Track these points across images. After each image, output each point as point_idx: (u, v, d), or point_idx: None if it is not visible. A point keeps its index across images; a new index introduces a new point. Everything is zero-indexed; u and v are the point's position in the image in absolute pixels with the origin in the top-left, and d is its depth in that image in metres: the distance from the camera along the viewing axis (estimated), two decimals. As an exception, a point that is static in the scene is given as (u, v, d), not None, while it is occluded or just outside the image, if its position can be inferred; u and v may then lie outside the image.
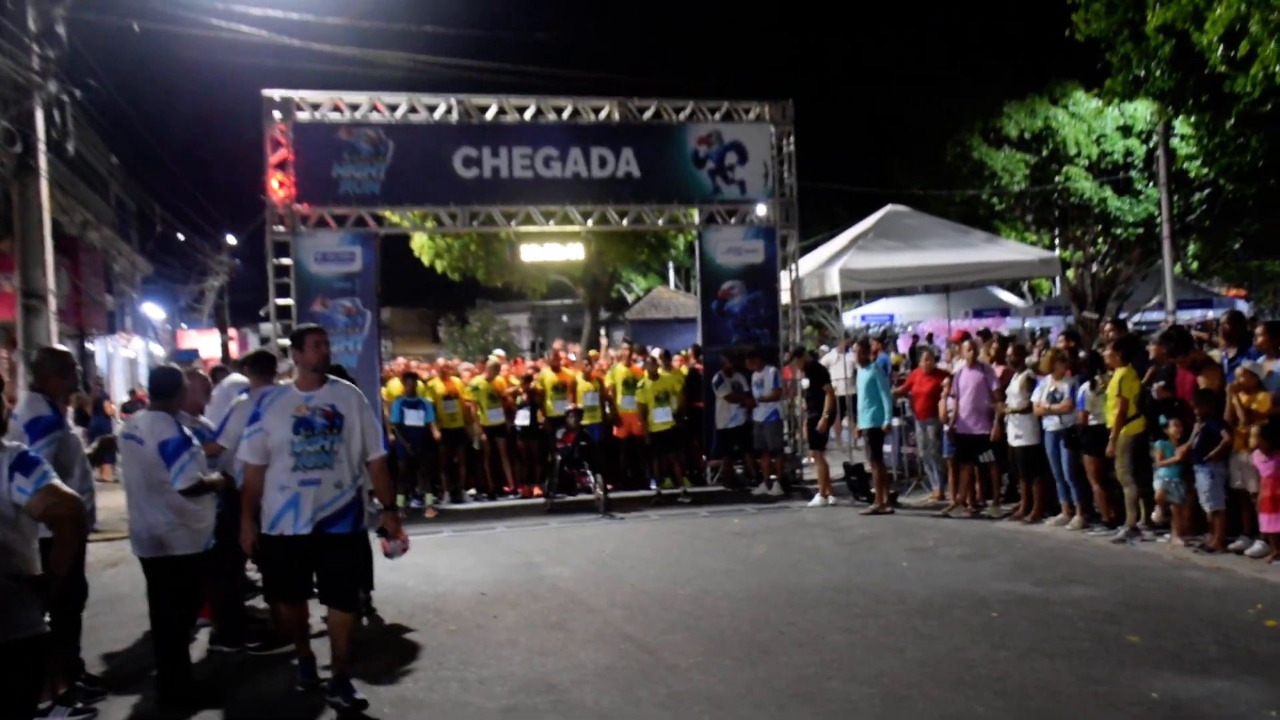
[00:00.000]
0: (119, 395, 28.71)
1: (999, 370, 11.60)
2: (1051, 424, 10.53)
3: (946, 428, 11.91)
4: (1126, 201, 23.77)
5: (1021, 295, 27.93)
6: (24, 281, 13.74)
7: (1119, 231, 24.24)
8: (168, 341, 39.83)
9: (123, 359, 33.51)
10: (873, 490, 12.39)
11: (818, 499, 12.81)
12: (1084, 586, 8.07)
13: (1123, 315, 23.95)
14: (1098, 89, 16.29)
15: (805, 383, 13.41)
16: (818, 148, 21.71)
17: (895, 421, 13.10)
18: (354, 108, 13.65)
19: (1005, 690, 5.68)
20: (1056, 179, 23.77)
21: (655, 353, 14.84)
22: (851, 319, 22.94)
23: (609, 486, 13.23)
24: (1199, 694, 5.52)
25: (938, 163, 24.78)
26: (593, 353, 16.56)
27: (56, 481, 3.89)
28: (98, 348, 29.31)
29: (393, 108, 13.76)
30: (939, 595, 7.92)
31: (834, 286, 15.10)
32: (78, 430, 6.19)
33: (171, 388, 6.31)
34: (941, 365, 13.02)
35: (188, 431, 6.23)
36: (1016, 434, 10.97)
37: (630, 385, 14.27)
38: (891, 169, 26.70)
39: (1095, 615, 7.19)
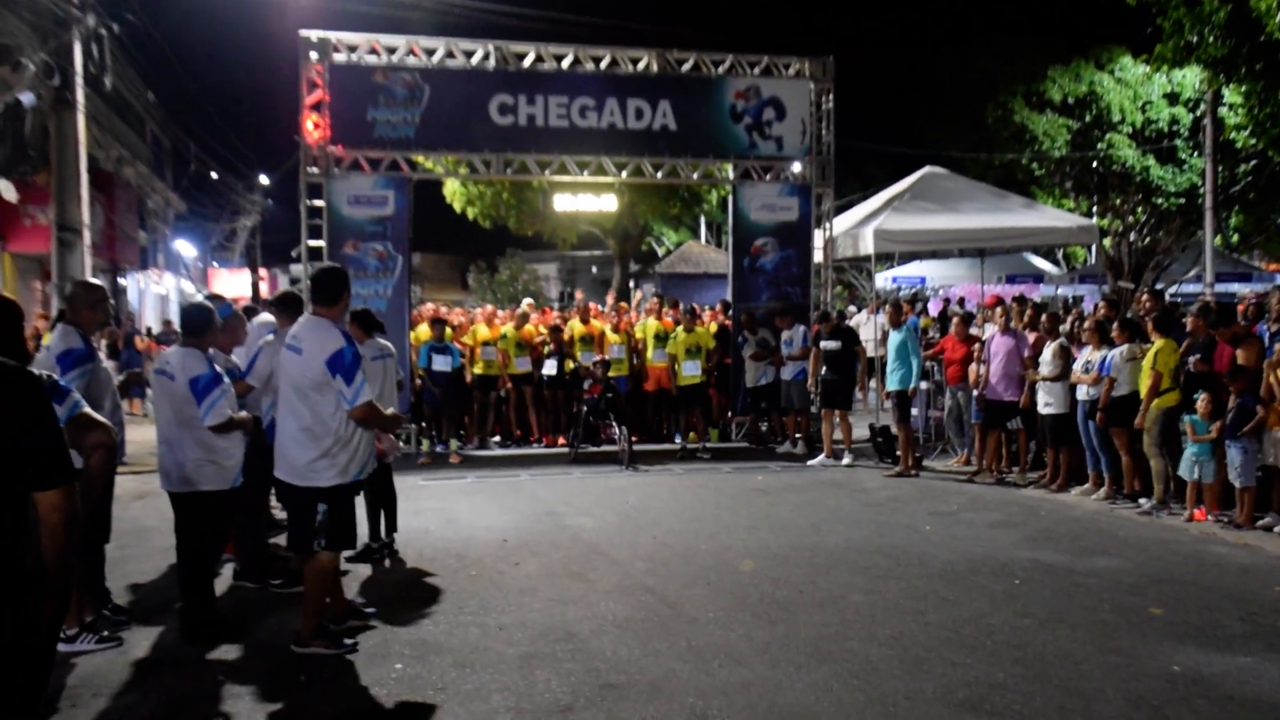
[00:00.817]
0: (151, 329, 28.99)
1: (1031, 337, 11.48)
2: (1083, 393, 10.42)
3: (976, 393, 11.82)
4: (1169, 171, 23.33)
5: (1056, 263, 27.59)
6: (59, 215, 13.86)
7: (1160, 201, 23.81)
8: (199, 279, 40.05)
9: (154, 295, 33.76)
10: (898, 453, 12.34)
11: (848, 458, 12.77)
12: (1108, 557, 8.02)
13: (1159, 286, 23.66)
14: (1146, 54, 15.97)
15: (831, 344, 13.29)
16: (856, 106, 21.48)
17: (924, 385, 13.01)
18: (391, 51, 13.57)
19: (1025, 658, 5.65)
20: (1098, 145, 23.34)
21: (648, 301, 14.87)
22: (883, 280, 22.77)
23: (634, 439, 13.24)
24: (1221, 669, 5.48)
25: (977, 125, 24.37)
26: (621, 305, 16.50)
27: (88, 410, 3.92)
28: (130, 283, 29.53)
29: (430, 52, 13.68)
30: (961, 560, 7.90)
31: (868, 247, 14.97)
32: (109, 364, 6.22)
33: (203, 324, 6.30)
34: (973, 330, 12.90)
35: (219, 369, 6.25)
36: (1046, 402, 10.87)
37: (661, 339, 14.23)
38: (929, 131, 26.31)
39: (1119, 586, 7.15)
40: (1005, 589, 7.10)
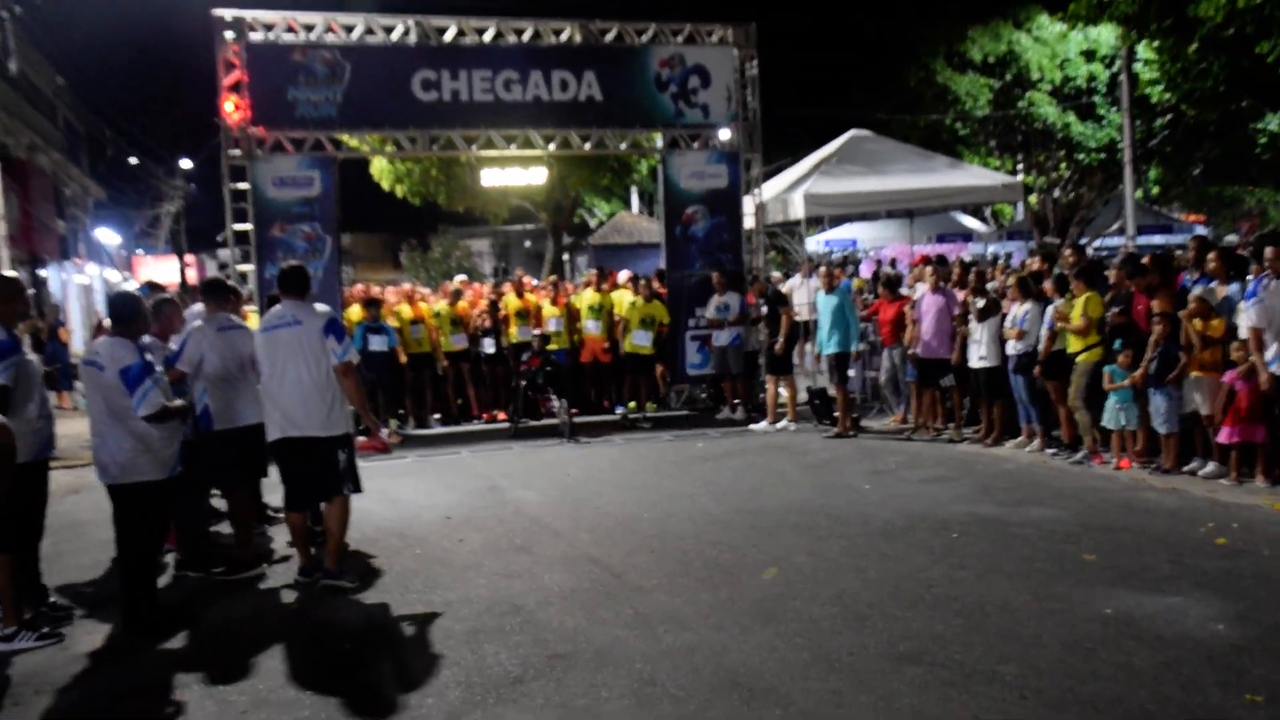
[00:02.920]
0: (75, 322, 28.26)
1: (960, 295, 11.67)
2: (1011, 348, 10.63)
3: (910, 352, 12.01)
4: (1089, 127, 23.80)
5: (984, 220, 27.99)
6: (-29, 206, 13.43)
7: (1081, 157, 24.29)
8: (123, 267, 39.13)
9: (77, 285, 32.89)
10: (836, 414, 12.50)
11: (783, 422, 12.91)
12: (1042, 508, 8.23)
13: (1084, 240, 24.17)
14: (1061, 13, 16.21)
15: (765, 309, 13.45)
16: (781, 72, 21.49)
17: (859, 346, 13.19)
18: (309, 28, 13.29)
19: (964, 609, 5.80)
20: (1020, 104, 23.73)
21: (623, 276, 14.84)
22: (815, 244, 22.93)
23: (574, 411, 13.26)
24: (1151, 610, 5.67)
25: (901, 87, 24.60)
26: (558, 280, 16.42)
27: None
28: (51, 274, 28.75)
29: (349, 29, 13.42)
30: (900, 517, 8.05)
31: (798, 211, 15.08)
32: (34, 358, 6.07)
33: (131, 314, 6.21)
34: (904, 291, 13.09)
35: (149, 358, 6.15)
36: (979, 357, 11.07)
37: (595, 310, 14.23)
38: (854, 93, 26.49)
39: (1053, 535, 7.35)
40: (944, 543, 7.26)
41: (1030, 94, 23.48)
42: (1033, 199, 26.06)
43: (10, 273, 6.79)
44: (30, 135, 26.27)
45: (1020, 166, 25.99)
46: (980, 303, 11.05)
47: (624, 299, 14.40)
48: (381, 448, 7.62)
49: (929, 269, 12.41)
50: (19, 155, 24.11)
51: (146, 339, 7.04)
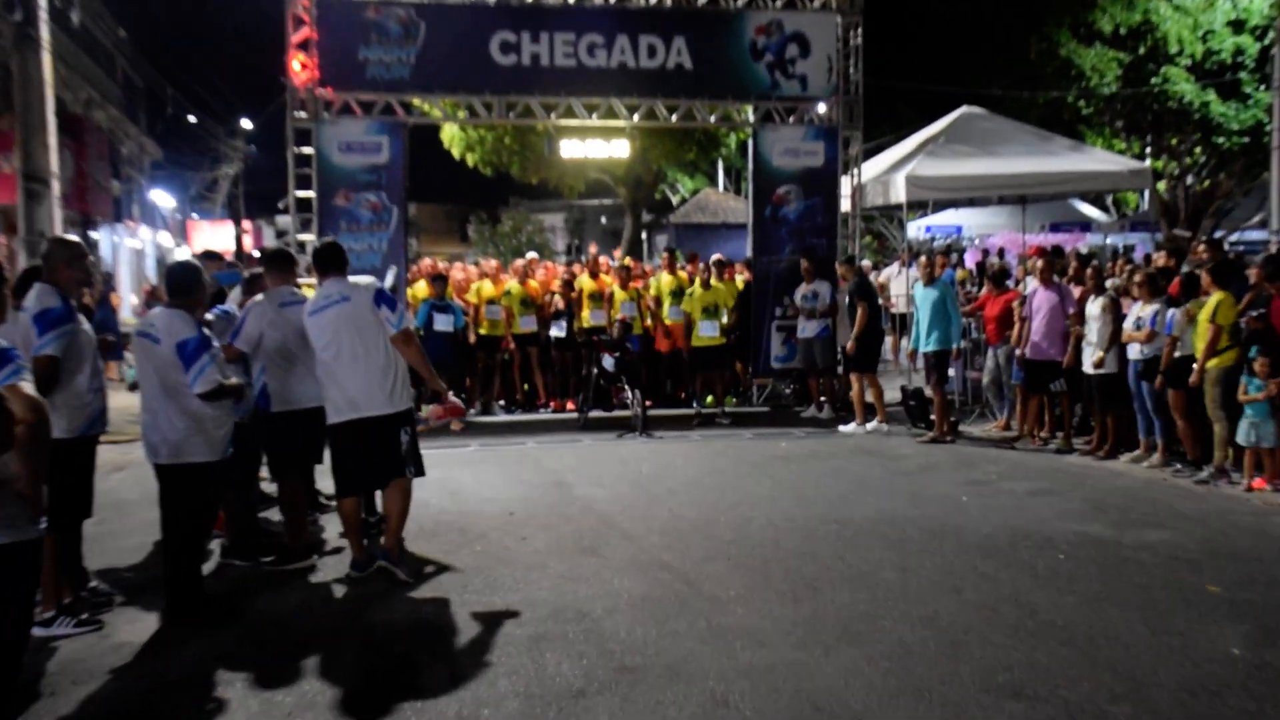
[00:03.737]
0: (124, 288, 28.91)
1: (1076, 291, 11.42)
2: (1134, 352, 10.38)
3: (1017, 352, 11.80)
4: (1232, 106, 22.99)
5: (1105, 209, 27.35)
6: (25, 163, 13.78)
7: (1220, 140, 23.50)
8: (177, 231, 40.01)
9: (128, 249, 33.67)
10: (932, 417, 12.34)
11: (874, 423, 12.77)
12: (1161, 530, 8.03)
13: (1219, 234, 23.45)
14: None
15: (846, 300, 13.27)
16: (887, 41, 21.22)
17: (960, 344, 13.00)
18: (384, -17, 13.45)
19: (1071, 639, 5.68)
20: (1153, 80, 23.05)
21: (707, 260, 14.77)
22: (915, 230, 22.63)
23: (647, 404, 13.27)
24: (1283, 651, 5.50)
25: (1019, 60, 24.07)
26: (629, 260, 16.44)
27: (19, 383, 3.95)
28: (103, 236, 29.45)
29: (425, -16, 13.56)
30: (1001, 533, 7.92)
31: (899, 195, 14.84)
32: (87, 327, 6.20)
33: (190, 285, 6.28)
34: (1011, 284, 12.86)
35: (208, 332, 6.25)
36: (1094, 361, 10.83)
37: (677, 295, 14.21)
38: (966, 67, 26.02)
39: (1173, 562, 7.16)
40: (1049, 564, 7.12)
41: (1166, 69, 22.78)
42: (1161, 186, 25.35)
43: (72, 237, 6.93)
44: (89, 90, 26.92)
45: (1149, 150, 25.32)
46: (1098, 303, 10.80)
47: (663, 279, 14.44)
48: (459, 413, 7.65)
49: (1040, 262, 12.16)
50: (76, 111, 24.70)
51: (234, 309, 7.28)
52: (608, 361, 13.10)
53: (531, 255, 16.04)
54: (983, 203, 20.36)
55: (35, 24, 13.55)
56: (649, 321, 14.59)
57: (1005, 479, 10.00)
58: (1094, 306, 10.88)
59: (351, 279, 6.97)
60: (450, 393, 7.47)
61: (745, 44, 14.24)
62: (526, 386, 14.71)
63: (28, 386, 3.98)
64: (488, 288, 14.20)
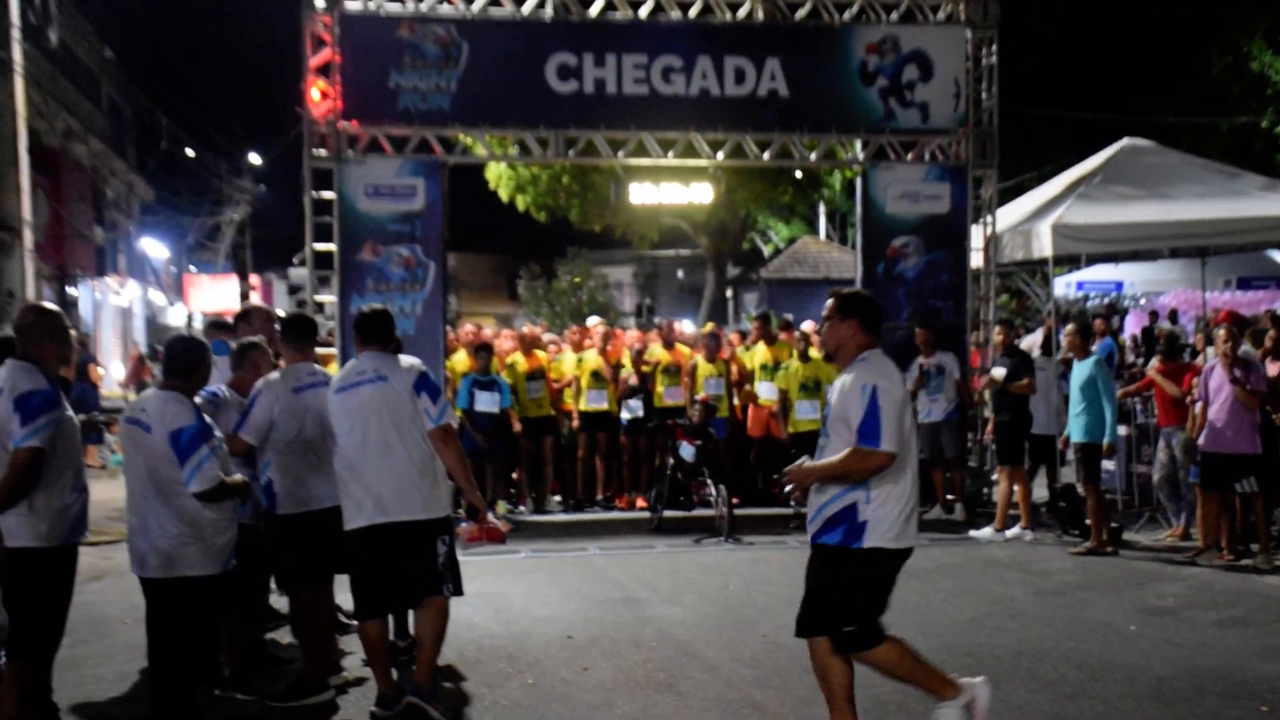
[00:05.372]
0: (107, 353, 29.27)
1: (1273, 369, 11.22)
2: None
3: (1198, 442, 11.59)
4: None
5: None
6: (-8, 209, 13.89)
7: None
8: (171, 288, 40.75)
9: (113, 308, 34.09)
10: (1087, 522, 12.14)
11: (1015, 529, 12.60)
12: (1387, 673, 7.79)
13: None
14: None
15: (1000, 371, 13.10)
16: (1026, 59, 21.22)
17: (1122, 430, 12.79)
18: (419, -2, 13.76)
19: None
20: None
21: (805, 326, 14.71)
22: (1064, 287, 22.46)
23: (735, 501, 13.21)
24: None
25: (1197, 79, 23.95)
26: (710, 325, 16.43)
27: None
28: (82, 294, 29.79)
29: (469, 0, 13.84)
30: (1182, 675, 7.73)
31: (1044, 248, 14.76)
32: (71, 414, 6.28)
33: (191, 364, 6.34)
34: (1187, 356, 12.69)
35: (208, 419, 6.29)
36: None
37: (770, 370, 14.18)
38: (1126, 88, 25.95)
39: (1402, 715, 6.95)
40: (1245, 717, 6.94)
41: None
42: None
43: (52, 306, 7.02)
44: (68, 119, 27.26)
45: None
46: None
47: (756, 351, 14.43)
48: (497, 537, 7.69)
49: (1222, 331, 11.97)
50: (52, 144, 24.78)
51: (223, 390, 7.29)
52: (686, 450, 13.10)
53: (595, 320, 16.11)
54: (1150, 255, 20.17)
55: (6, 43, 13.59)
56: (737, 401, 14.56)
57: (1186, 605, 9.76)
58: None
59: (399, 357, 7.06)
60: (490, 513, 7.45)
61: (854, 66, 14.32)
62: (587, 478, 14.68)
63: None
64: (521, 362, 14.18)
